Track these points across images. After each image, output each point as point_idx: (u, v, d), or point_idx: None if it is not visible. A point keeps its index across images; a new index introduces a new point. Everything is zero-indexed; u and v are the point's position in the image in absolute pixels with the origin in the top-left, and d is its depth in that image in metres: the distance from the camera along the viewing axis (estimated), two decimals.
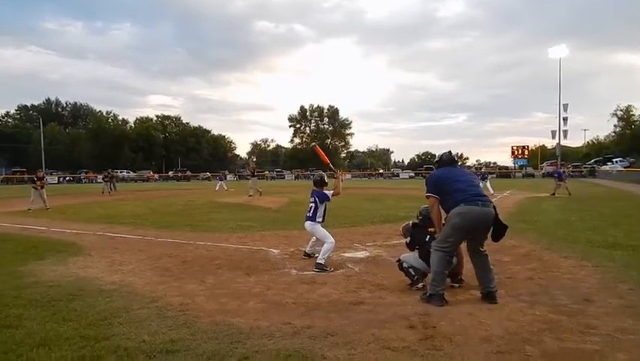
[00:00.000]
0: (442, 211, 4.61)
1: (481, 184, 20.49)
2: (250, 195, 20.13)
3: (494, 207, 4.46)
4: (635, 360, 3.04)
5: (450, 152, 4.86)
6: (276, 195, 22.03)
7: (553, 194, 20.26)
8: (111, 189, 28.21)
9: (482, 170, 33.16)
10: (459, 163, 4.76)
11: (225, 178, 33.00)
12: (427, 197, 4.58)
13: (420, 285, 4.92)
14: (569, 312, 4.01)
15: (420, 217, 5.26)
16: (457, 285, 5.01)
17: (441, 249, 4.41)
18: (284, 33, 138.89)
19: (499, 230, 4.50)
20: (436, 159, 4.98)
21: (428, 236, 4.95)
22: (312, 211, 6.35)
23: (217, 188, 29.86)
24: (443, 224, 4.54)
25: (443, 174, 4.65)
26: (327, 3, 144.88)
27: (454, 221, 4.31)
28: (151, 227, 10.64)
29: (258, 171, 34.96)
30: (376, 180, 61.06)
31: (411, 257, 5.10)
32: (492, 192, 21.00)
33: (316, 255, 6.32)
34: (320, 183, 6.54)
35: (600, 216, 11.59)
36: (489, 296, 4.38)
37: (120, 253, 7.21)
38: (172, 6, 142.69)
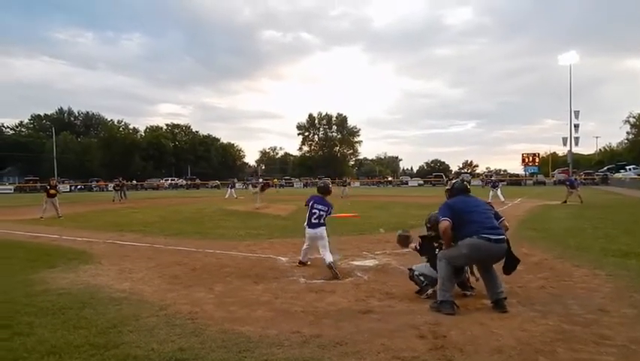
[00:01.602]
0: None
1: (491, 192, 20.11)
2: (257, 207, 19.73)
3: (507, 242, 4.46)
4: None
5: (462, 180, 4.86)
6: (285, 203, 22.04)
7: (565, 202, 20.01)
8: (121, 197, 28.49)
9: (493, 178, 32.90)
10: (468, 171, 4.69)
11: (235, 186, 33.14)
12: (441, 221, 4.48)
13: (429, 291, 4.90)
14: (583, 322, 3.94)
15: (428, 225, 5.22)
16: (468, 293, 4.96)
17: (448, 260, 4.44)
18: (291, 41, 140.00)
19: (511, 264, 4.53)
20: (448, 187, 5.01)
21: (438, 249, 4.90)
22: (323, 218, 6.42)
23: (227, 196, 29.91)
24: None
25: (458, 203, 4.62)
26: (333, 11, 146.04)
27: (465, 252, 4.36)
28: (160, 235, 10.70)
29: (264, 180, 35.29)
30: (385, 187, 60.85)
31: (422, 266, 5.08)
32: (502, 199, 20.73)
33: (309, 263, 6.70)
34: (324, 191, 6.69)
35: (613, 225, 11.40)
36: (499, 304, 4.34)
37: (130, 261, 7.26)
38: (181, 16, 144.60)
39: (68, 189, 57.94)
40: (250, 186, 22.69)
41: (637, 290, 4.95)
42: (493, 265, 4.53)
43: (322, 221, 6.41)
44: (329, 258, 6.06)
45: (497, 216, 4.80)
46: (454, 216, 4.46)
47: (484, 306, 4.49)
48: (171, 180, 62.41)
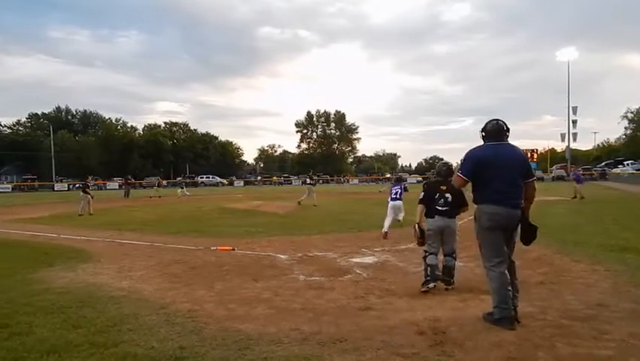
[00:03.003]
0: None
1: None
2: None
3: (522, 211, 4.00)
4: None
5: (497, 121, 4.07)
6: (284, 201, 22.05)
7: (575, 197, 19.92)
8: (125, 195, 28.72)
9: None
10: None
11: (185, 186, 31.80)
12: (458, 176, 4.08)
13: (431, 285, 4.98)
14: (582, 317, 3.95)
15: (434, 174, 5.46)
16: (450, 287, 5.07)
17: (491, 268, 3.94)
18: (289, 38, 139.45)
19: (529, 231, 4.02)
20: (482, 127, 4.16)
21: (438, 194, 5.16)
22: (399, 194, 9.89)
23: (180, 195, 29.62)
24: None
25: (490, 158, 3.94)
26: (331, 8, 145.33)
27: (484, 224, 3.93)
28: (160, 233, 10.69)
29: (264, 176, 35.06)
30: (384, 184, 60.84)
31: (434, 257, 5.13)
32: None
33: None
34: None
35: (611, 220, 11.43)
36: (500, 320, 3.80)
37: (129, 260, 7.25)
38: (177, 13, 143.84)
39: (67, 188, 57.88)
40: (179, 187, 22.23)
41: (635, 285, 4.97)
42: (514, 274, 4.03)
43: (399, 197, 9.79)
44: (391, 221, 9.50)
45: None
46: (474, 173, 3.99)
47: (484, 302, 4.49)
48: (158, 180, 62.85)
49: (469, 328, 3.74)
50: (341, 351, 3.28)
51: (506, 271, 3.88)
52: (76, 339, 3.57)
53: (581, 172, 25.23)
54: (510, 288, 3.84)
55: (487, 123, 4.11)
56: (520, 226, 3.99)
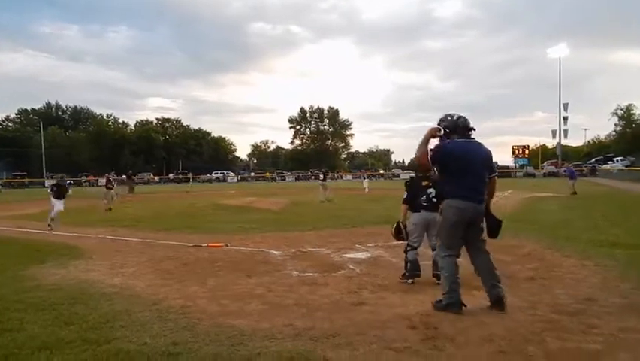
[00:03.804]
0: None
1: None
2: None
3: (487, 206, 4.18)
4: (637, 359, 3.03)
5: (466, 118, 4.17)
6: (277, 197, 22.03)
7: (575, 193, 20.13)
8: (130, 191, 28.48)
9: None
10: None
11: (113, 184, 21.21)
12: (425, 156, 4.07)
13: (409, 281, 5.14)
14: (571, 312, 4.00)
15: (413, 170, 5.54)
16: (409, 281, 5.18)
17: (445, 258, 4.14)
18: (281, 34, 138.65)
19: (495, 227, 4.22)
20: (444, 123, 4.20)
21: (421, 191, 5.25)
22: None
23: (105, 202, 18.68)
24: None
25: (457, 152, 4.03)
26: (323, 4, 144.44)
27: (450, 213, 4.05)
28: (152, 230, 10.64)
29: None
30: (377, 180, 60.97)
31: (414, 253, 5.24)
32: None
33: None
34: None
35: (601, 216, 11.57)
36: (498, 303, 4.05)
37: (121, 256, 7.22)
38: (168, 8, 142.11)
39: None
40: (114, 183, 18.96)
41: (624, 280, 5.04)
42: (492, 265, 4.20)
43: None
44: None
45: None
46: (443, 165, 4.12)
47: (475, 297, 4.53)
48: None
49: (460, 323, 3.77)
50: (334, 346, 3.29)
51: (457, 261, 4.15)
52: (68, 336, 3.55)
53: (571, 168, 25.45)
54: (459, 277, 4.12)
55: (454, 120, 4.18)
56: (485, 220, 4.20)
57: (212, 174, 70.20)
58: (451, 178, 4.07)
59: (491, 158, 4.29)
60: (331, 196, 19.82)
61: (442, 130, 4.15)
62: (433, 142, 4.19)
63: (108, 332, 3.66)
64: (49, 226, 10.98)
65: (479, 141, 4.26)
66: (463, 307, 4.02)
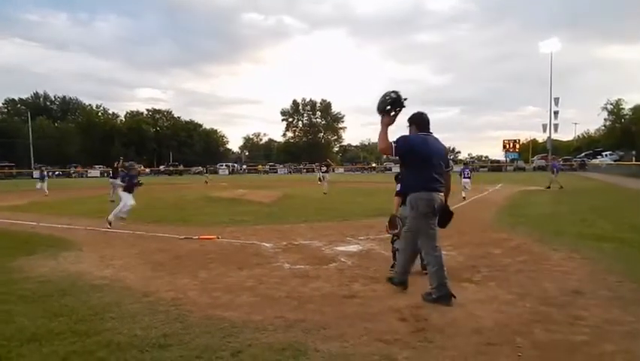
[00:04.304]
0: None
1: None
2: None
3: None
4: (622, 350, 3.09)
5: (426, 114, 4.37)
6: (269, 190, 21.99)
7: (549, 187, 20.42)
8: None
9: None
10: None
11: (44, 178, 22.11)
12: (389, 144, 4.09)
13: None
14: (559, 304, 4.07)
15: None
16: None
17: (430, 253, 4.26)
18: (273, 25, 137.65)
19: (449, 216, 4.35)
20: (413, 117, 4.38)
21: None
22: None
23: (38, 187, 21.31)
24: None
25: (419, 145, 4.19)
26: None
27: (421, 206, 4.16)
28: (143, 222, 10.56)
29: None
30: (369, 174, 61.15)
31: (401, 242, 5.23)
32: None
33: None
34: None
35: (590, 209, 11.72)
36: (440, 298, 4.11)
37: (112, 248, 7.17)
38: None
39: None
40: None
41: (610, 273, 5.12)
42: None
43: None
44: None
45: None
46: (406, 156, 4.23)
47: (464, 289, 4.59)
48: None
49: (450, 315, 3.82)
50: (325, 338, 3.31)
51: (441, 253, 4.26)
52: (57, 328, 3.53)
53: (557, 163, 25.61)
54: (445, 268, 4.22)
55: (417, 114, 4.38)
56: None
57: (218, 166, 70.18)
58: (415, 170, 4.22)
59: (447, 153, 4.51)
60: (326, 190, 19.66)
61: (393, 108, 4.07)
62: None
63: (98, 323, 3.65)
64: (109, 224, 9.39)
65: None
66: (453, 298, 4.10)
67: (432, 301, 4.10)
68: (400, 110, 4.11)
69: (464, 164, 28.16)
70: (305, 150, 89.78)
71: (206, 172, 36.27)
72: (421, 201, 4.17)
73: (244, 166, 75.30)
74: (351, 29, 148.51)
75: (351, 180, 33.67)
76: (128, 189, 9.88)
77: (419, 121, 4.34)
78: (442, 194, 4.28)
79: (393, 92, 4.08)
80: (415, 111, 4.41)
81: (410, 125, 4.37)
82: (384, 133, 4.11)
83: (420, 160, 4.18)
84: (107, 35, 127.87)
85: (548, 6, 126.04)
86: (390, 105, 4.07)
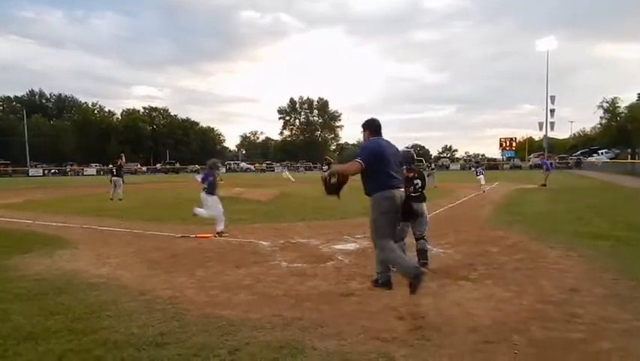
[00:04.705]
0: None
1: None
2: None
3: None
4: (618, 348, 3.10)
5: (378, 120, 4.76)
6: (267, 188, 21.97)
7: (544, 185, 20.51)
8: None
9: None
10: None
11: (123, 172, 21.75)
12: (355, 161, 4.38)
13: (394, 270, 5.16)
14: (555, 301, 4.08)
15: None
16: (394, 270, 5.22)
17: (385, 244, 4.37)
18: (270, 23, 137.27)
19: (412, 210, 4.80)
20: (366, 123, 4.73)
21: (407, 181, 5.28)
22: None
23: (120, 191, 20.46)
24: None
25: (378, 150, 4.48)
26: None
27: (384, 204, 4.38)
28: (139, 220, 10.54)
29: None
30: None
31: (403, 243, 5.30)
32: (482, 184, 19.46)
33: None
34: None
35: (586, 207, 11.77)
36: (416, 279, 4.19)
37: (108, 246, 7.14)
38: None
39: (42, 173, 56.51)
40: None
41: (607, 270, 5.14)
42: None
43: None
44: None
45: None
46: (369, 162, 4.40)
47: (461, 287, 4.60)
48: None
49: (447, 313, 3.83)
50: (322, 336, 3.31)
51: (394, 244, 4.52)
52: (53, 326, 3.52)
53: (549, 161, 25.59)
54: (399, 257, 4.47)
55: (370, 120, 4.77)
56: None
57: (238, 164, 70.48)
58: (376, 172, 4.43)
59: (400, 155, 4.89)
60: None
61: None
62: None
63: (95, 322, 3.64)
64: (220, 234, 8.09)
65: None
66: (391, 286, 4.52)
67: (379, 286, 4.54)
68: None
69: (476, 162, 29.44)
70: (302, 148, 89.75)
71: (288, 168, 36.87)
72: (385, 200, 4.39)
73: (241, 164, 75.03)
74: (349, 27, 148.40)
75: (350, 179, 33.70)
76: (212, 190, 8.53)
77: (372, 127, 4.71)
78: (403, 190, 4.57)
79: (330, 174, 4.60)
80: (369, 118, 4.77)
81: (364, 131, 4.73)
82: (348, 166, 4.54)
83: (379, 162, 4.43)
84: (104, 33, 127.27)
85: (545, 4, 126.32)
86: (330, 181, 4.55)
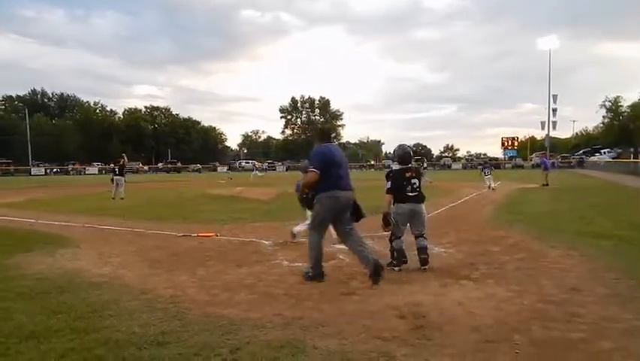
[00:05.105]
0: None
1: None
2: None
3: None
4: (619, 348, 3.09)
5: (329, 128, 5.17)
6: (268, 187, 21.97)
7: (546, 184, 20.42)
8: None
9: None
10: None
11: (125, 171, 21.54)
12: (310, 171, 4.86)
13: (396, 269, 5.28)
14: (557, 301, 4.07)
15: (397, 161, 5.77)
16: (396, 269, 5.32)
17: (316, 237, 4.91)
18: (270, 22, 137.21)
19: (358, 212, 5.11)
20: (316, 131, 5.51)
21: (405, 181, 5.38)
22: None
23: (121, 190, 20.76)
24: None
25: (329, 154, 4.94)
26: None
27: (326, 203, 4.83)
28: (141, 219, 10.56)
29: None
30: (367, 171, 61.13)
31: (400, 241, 5.39)
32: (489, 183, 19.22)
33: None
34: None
35: (588, 207, 11.74)
36: (375, 273, 4.66)
37: (110, 246, 7.15)
38: None
39: (44, 173, 56.65)
40: None
41: (609, 270, 5.13)
42: (361, 240, 5.08)
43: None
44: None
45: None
46: (321, 167, 4.84)
47: (463, 286, 4.60)
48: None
49: (448, 312, 3.82)
50: (323, 335, 3.31)
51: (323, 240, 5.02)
52: (56, 325, 3.53)
53: (548, 160, 25.42)
54: (323, 253, 5.03)
55: (323, 128, 6.07)
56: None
57: (240, 163, 68.85)
58: (326, 174, 4.82)
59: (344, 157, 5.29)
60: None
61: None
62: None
63: (96, 321, 3.64)
64: (295, 236, 7.33)
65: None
66: (325, 277, 4.91)
67: (309, 279, 4.83)
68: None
69: (484, 162, 30.02)
70: (303, 147, 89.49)
71: (229, 169, 36.67)
72: (330, 199, 4.81)
73: (244, 163, 74.76)
74: (349, 26, 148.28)
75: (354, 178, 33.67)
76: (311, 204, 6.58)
77: (322, 135, 5.37)
78: (350, 192, 4.95)
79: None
80: (318, 128, 5.46)
81: (319, 138, 5.31)
82: (308, 179, 4.93)
83: (330, 165, 4.85)
84: (105, 32, 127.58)
85: (548, 4, 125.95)
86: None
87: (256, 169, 36.59)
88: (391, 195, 5.47)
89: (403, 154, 5.69)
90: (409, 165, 5.62)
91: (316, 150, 5.02)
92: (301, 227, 7.07)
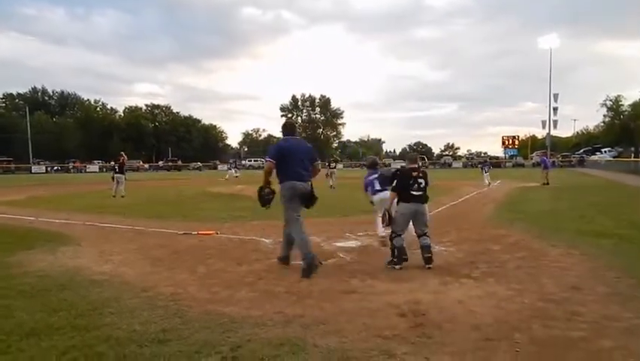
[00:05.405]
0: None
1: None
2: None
3: (311, 185, 5.34)
4: (620, 347, 3.10)
5: (292, 120, 5.26)
6: None
7: (547, 183, 20.42)
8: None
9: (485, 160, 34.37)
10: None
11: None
12: (267, 161, 5.23)
13: (397, 267, 5.29)
14: (557, 300, 4.07)
15: (406, 161, 5.94)
16: (397, 267, 5.33)
17: (294, 225, 5.25)
18: (271, 20, 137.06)
19: (311, 200, 5.35)
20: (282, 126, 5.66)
21: (412, 180, 5.43)
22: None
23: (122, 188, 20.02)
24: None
25: (288, 148, 5.24)
26: None
27: (287, 193, 5.17)
28: (142, 217, 10.56)
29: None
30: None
31: (401, 239, 5.41)
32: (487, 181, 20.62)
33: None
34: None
35: (589, 206, 11.74)
36: (308, 268, 4.94)
37: (110, 243, 7.16)
38: None
39: (44, 170, 56.69)
40: None
41: (610, 269, 5.14)
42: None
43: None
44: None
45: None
46: (279, 158, 5.19)
47: (463, 285, 4.60)
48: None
49: (449, 310, 3.82)
50: (324, 333, 3.32)
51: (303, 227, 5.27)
52: (56, 322, 3.54)
53: (547, 159, 25.31)
54: (305, 237, 5.25)
55: (285, 122, 5.83)
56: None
57: (246, 162, 68.23)
58: (283, 166, 5.13)
59: (312, 150, 5.54)
60: (335, 184, 20.49)
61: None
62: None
63: (97, 318, 3.65)
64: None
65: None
66: (291, 262, 5.35)
67: (281, 261, 5.43)
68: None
69: (484, 161, 30.52)
70: None
71: (236, 166, 34.26)
72: (288, 190, 5.13)
73: (244, 162, 74.70)
74: (350, 25, 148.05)
75: (351, 177, 33.59)
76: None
77: (284, 128, 5.58)
78: (307, 183, 5.22)
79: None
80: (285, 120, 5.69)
81: (282, 131, 5.57)
82: (265, 169, 5.27)
83: (286, 157, 5.15)
84: (105, 30, 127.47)
85: (549, 3, 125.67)
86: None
87: (235, 167, 33.38)
88: (395, 194, 5.52)
89: (412, 155, 5.97)
90: (417, 165, 5.69)
91: (275, 144, 5.39)
92: (380, 227, 6.41)
